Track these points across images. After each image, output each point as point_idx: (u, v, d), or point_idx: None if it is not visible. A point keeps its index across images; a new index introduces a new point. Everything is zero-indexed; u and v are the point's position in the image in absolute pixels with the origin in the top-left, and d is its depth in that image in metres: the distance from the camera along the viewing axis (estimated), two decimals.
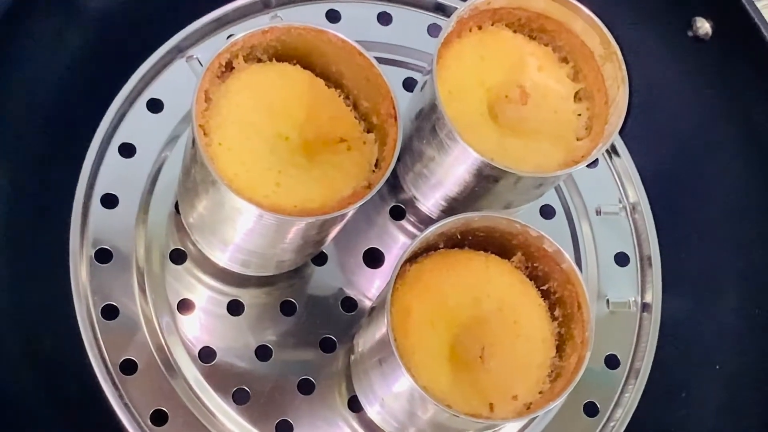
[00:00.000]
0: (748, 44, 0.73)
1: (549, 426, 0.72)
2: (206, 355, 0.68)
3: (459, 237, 0.63)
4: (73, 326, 0.67)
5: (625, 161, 0.80)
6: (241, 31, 0.60)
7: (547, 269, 0.63)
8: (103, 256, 0.69)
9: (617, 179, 0.80)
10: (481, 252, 0.64)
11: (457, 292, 0.62)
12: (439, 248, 0.64)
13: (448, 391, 0.59)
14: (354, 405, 0.69)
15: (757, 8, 0.73)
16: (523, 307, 0.63)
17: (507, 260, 0.64)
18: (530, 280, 0.64)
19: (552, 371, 0.62)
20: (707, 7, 0.75)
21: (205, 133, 0.59)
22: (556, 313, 0.63)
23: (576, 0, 0.65)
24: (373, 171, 0.62)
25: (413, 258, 0.63)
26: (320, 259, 0.72)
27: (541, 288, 0.64)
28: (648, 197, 0.80)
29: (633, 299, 0.76)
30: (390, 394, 0.62)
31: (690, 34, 0.76)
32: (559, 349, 0.63)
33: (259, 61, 0.62)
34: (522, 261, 0.64)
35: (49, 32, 0.70)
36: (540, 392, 0.61)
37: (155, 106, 0.73)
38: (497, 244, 0.64)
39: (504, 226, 0.62)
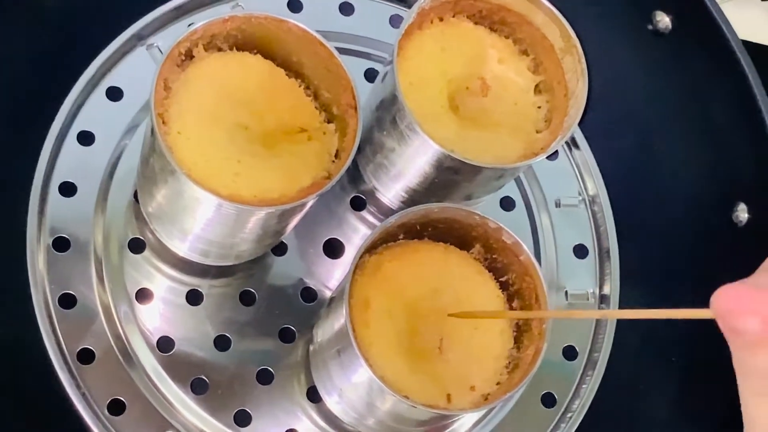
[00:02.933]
0: (707, 38, 0.74)
1: (507, 416, 0.73)
2: (165, 344, 0.68)
3: (419, 228, 0.64)
4: (30, 315, 0.67)
5: (585, 154, 0.80)
6: (202, 19, 0.60)
7: (505, 261, 0.64)
8: (61, 244, 0.69)
9: (577, 171, 0.80)
10: (441, 243, 0.64)
11: (416, 283, 0.62)
12: (399, 239, 0.64)
13: (406, 381, 0.59)
14: (313, 395, 0.69)
15: (716, 2, 0.74)
16: (481, 299, 0.63)
17: (466, 252, 0.64)
18: (489, 271, 0.64)
19: (509, 362, 0.62)
20: (667, 1, 0.76)
21: (164, 122, 0.59)
22: (515, 304, 0.63)
23: None
24: (333, 161, 0.62)
25: (373, 248, 0.63)
26: (280, 249, 0.72)
27: (500, 280, 0.64)
28: (607, 190, 0.80)
29: (591, 291, 0.77)
30: (349, 384, 0.62)
31: (650, 27, 0.77)
32: (517, 340, 0.63)
33: (220, 50, 0.62)
34: (481, 253, 0.64)
35: (7, 20, 0.70)
36: (498, 383, 0.61)
37: (114, 94, 0.73)
38: (457, 236, 0.64)
39: (463, 218, 0.63)
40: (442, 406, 0.60)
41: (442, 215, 0.63)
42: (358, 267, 0.61)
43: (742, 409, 0.39)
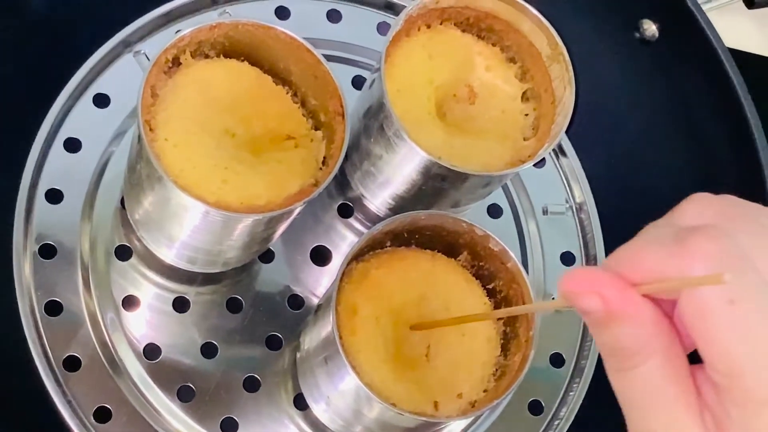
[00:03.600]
0: (693, 46, 0.74)
1: (494, 424, 0.73)
2: (151, 351, 0.68)
3: (406, 235, 0.64)
4: (15, 322, 0.66)
5: (572, 161, 0.81)
6: (189, 26, 0.60)
7: (492, 268, 0.64)
8: (48, 251, 0.69)
9: (564, 179, 0.80)
10: (428, 251, 0.64)
11: (403, 290, 0.62)
12: (386, 246, 0.64)
13: (393, 389, 0.59)
14: (300, 403, 0.69)
15: (702, 11, 0.74)
16: (468, 306, 0.63)
17: (453, 259, 0.65)
18: (476, 279, 0.64)
19: (497, 370, 0.62)
20: (654, 9, 0.76)
21: (151, 129, 0.58)
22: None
23: (524, 0, 0.65)
24: (321, 168, 0.62)
25: (360, 256, 0.63)
26: (267, 256, 0.72)
27: (487, 287, 0.64)
28: (594, 197, 0.80)
29: None
30: (336, 392, 0.62)
31: (637, 35, 0.77)
32: (504, 347, 0.63)
33: (207, 56, 0.62)
34: (468, 260, 0.64)
35: None
36: (485, 390, 0.61)
37: (101, 100, 0.73)
38: (444, 243, 0.64)
39: (450, 225, 0.63)
40: (429, 413, 0.59)
41: (430, 222, 0.63)
42: (345, 274, 0.61)
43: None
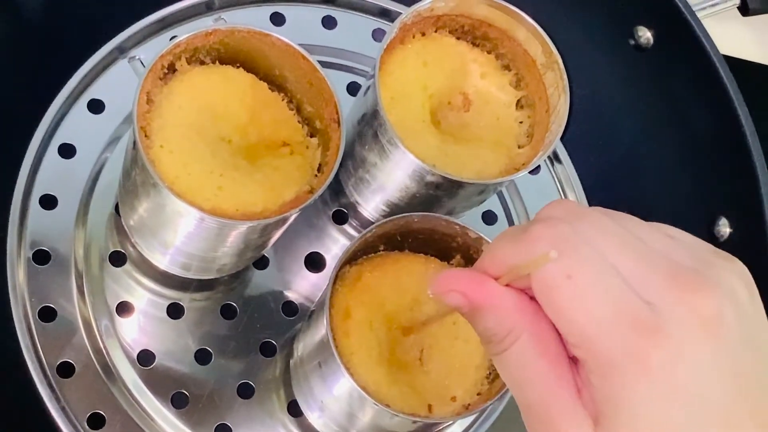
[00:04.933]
0: (688, 53, 0.74)
1: (490, 429, 0.73)
2: (145, 358, 0.68)
3: (399, 239, 0.64)
4: (9, 328, 0.66)
5: (567, 168, 0.81)
6: (185, 32, 0.60)
7: None
8: (42, 257, 0.69)
9: (559, 186, 0.81)
10: (421, 254, 0.64)
11: (396, 293, 0.62)
12: (380, 250, 0.64)
13: (387, 392, 0.59)
14: (294, 409, 0.69)
15: (697, 18, 0.74)
16: None
17: (446, 263, 0.65)
18: None
19: (490, 373, 0.62)
20: (648, 16, 0.76)
21: (146, 135, 0.58)
22: None
23: (518, 9, 0.65)
24: (316, 175, 0.62)
25: (353, 260, 0.63)
26: (261, 262, 0.72)
27: None
28: (589, 204, 0.80)
29: None
30: (330, 396, 0.62)
31: (631, 42, 0.77)
32: None
33: (202, 63, 0.62)
34: (461, 263, 0.64)
35: None
36: (478, 393, 0.61)
37: (96, 106, 0.73)
38: (437, 247, 0.64)
39: (443, 228, 0.63)
40: (423, 415, 0.60)
41: (423, 225, 0.63)
42: (338, 277, 0.61)
43: None
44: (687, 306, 0.42)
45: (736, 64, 0.76)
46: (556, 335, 0.45)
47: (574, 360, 0.45)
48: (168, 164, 0.58)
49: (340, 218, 0.74)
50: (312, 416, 0.67)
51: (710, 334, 0.42)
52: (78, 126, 0.72)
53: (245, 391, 0.69)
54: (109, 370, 0.67)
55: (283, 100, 0.63)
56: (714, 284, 0.43)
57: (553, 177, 0.81)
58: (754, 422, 0.43)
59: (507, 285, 0.45)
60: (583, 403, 0.44)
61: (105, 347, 0.68)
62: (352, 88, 0.78)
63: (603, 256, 0.43)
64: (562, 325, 0.43)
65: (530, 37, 0.65)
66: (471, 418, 0.72)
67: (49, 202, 0.70)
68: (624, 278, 0.43)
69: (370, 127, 0.63)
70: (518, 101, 0.67)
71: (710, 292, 0.43)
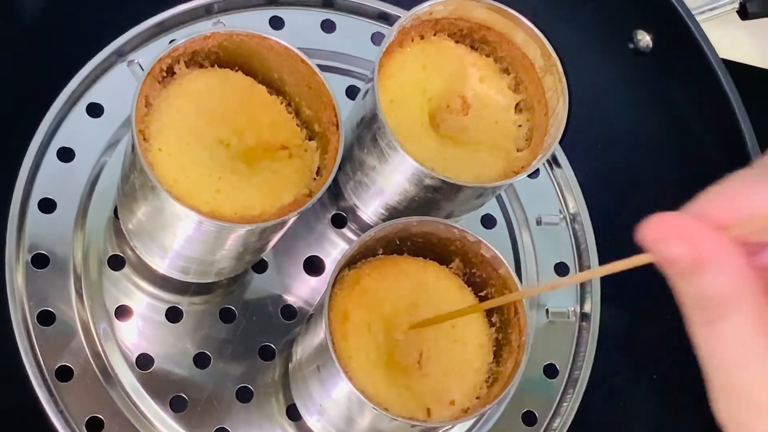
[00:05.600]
0: (687, 57, 0.74)
1: None
2: (144, 361, 0.68)
3: (398, 243, 0.64)
4: (8, 332, 0.66)
5: (566, 172, 0.81)
6: (184, 36, 0.60)
7: (484, 275, 0.64)
8: (40, 261, 0.68)
9: (558, 190, 0.80)
10: (420, 258, 0.64)
11: (395, 297, 0.62)
12: (378, 254, 0.64)
13: (386, 395, 0.59)
14: (292, 413, 0.68)
15: (696, 22, 0.74)
16: None
17: (445, 266, 0.65)
18: (468, 286, 0.64)
19: (489, 376, 0.62)
20: (648, 20, 0.76)
21: (144, 138, 0.58)
22: (494, 318, 0.63)
23: (517, 12, 0.65)
24: (314, 179, 0.62)
25: (352, 263, 0.63)
26: (260, 266, 0.72)
27: (479, 294, 0.64)
28: (588, 208, 0.80)
29: (572, 309, 0.77)
30: (329, 400, 0.62)
31: (631, 46, 0.77)
32: (497, 354, 0.63)
33: (201, 66, 0.62)
34: (460, 267, 0.64)
35: None
36: (477, 397, 0.61)
37: (95, 110, 0.73)
38: (436, 251, 0.64)
39: (442, 231, 0.63)
40: (421, 418, 0.59)
41: (421, 229, 0.63)
42: (337, 281, 0.61)
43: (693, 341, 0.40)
44: None
45: (735, 68, 0.76)
46: None
47: None
48: (166, 167, 0.58)
49: (338, 222, 0.74)
50: (311, 420, 0.67)
51: None
52: (77, 130, 0.72)
53: (244, 395, 0.68)
54: (107, 373, 0.67)
55: (281, 103, 0.63)
56: None
57: (552, 180, 0.80)
58: None
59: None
60: None
61: (104, 351, 0.67)
62: (351, 92, 0.78)
63: None
64: None
65: (529, 40, 0.65)
66: (470, 422, 0.72)
67: (47, 205, 0.70)
68: None
69: (368, 130, 0.63)
70: (517, 104, 0.67)
71: None
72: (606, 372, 0.76)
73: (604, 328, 0.77)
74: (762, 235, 0.37)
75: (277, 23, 0.79)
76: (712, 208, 0.38)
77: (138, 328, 0.69)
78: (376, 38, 0.80)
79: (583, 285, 0.78)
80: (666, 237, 0.38)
